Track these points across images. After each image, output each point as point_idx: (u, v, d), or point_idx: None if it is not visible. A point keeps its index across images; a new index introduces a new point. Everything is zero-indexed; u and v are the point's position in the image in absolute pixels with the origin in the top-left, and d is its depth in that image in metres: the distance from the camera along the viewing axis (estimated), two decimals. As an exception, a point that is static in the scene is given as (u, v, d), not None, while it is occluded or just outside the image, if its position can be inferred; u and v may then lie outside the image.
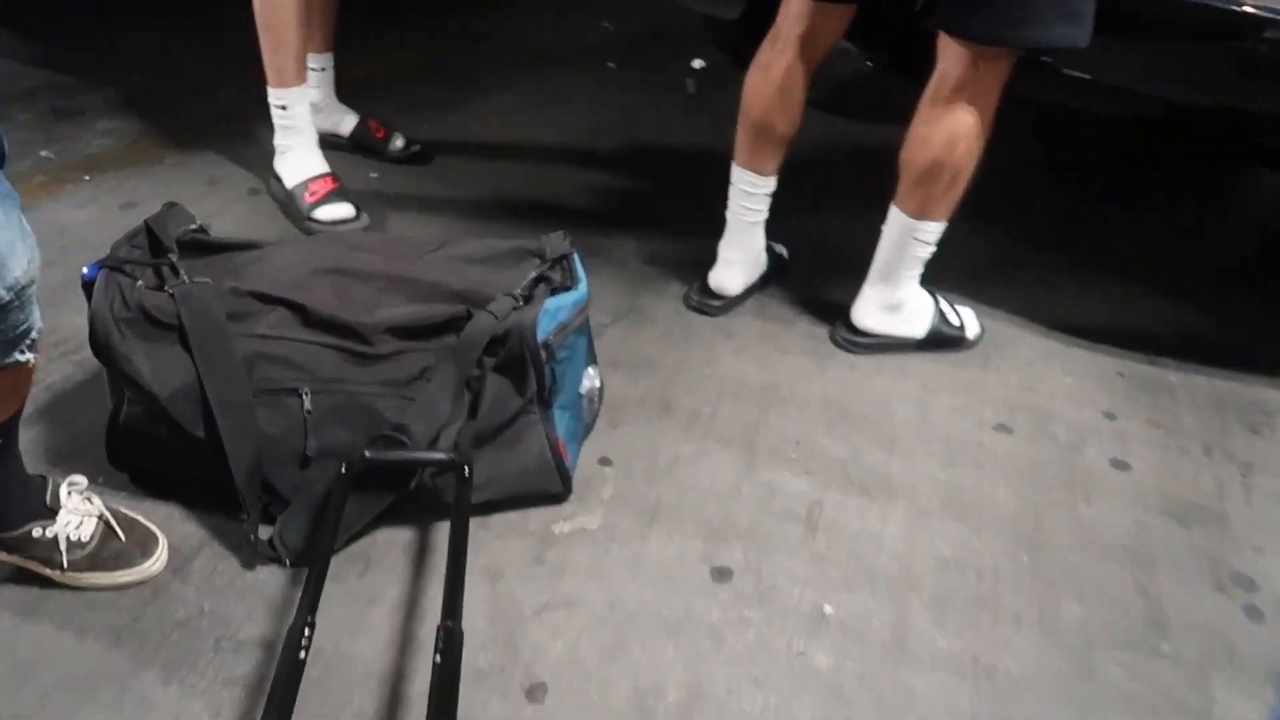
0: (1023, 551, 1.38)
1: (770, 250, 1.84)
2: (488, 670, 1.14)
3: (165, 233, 1.26)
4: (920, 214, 1.58)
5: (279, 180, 1.94)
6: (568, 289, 1.33)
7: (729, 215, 1.75)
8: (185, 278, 1.21)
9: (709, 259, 1.80)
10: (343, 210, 1.91)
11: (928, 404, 1.64)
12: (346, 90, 2.18)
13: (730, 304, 1.80)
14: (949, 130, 1.50)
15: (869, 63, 2.12)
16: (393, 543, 1.27)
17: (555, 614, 1.21)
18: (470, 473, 1.22)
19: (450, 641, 0.99)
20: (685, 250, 1.84)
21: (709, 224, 1.79)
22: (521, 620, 1.20)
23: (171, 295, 1.18)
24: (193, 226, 1.32)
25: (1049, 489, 1.49)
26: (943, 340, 1.75)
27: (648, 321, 1.76)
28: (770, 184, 1.71)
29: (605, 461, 1.44)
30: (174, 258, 1.23)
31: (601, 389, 1.46)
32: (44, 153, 2.05)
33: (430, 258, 1.37)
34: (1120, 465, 1.55)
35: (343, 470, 1.17)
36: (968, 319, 1.78)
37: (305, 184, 1.91)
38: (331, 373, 1.23)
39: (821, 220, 2.06)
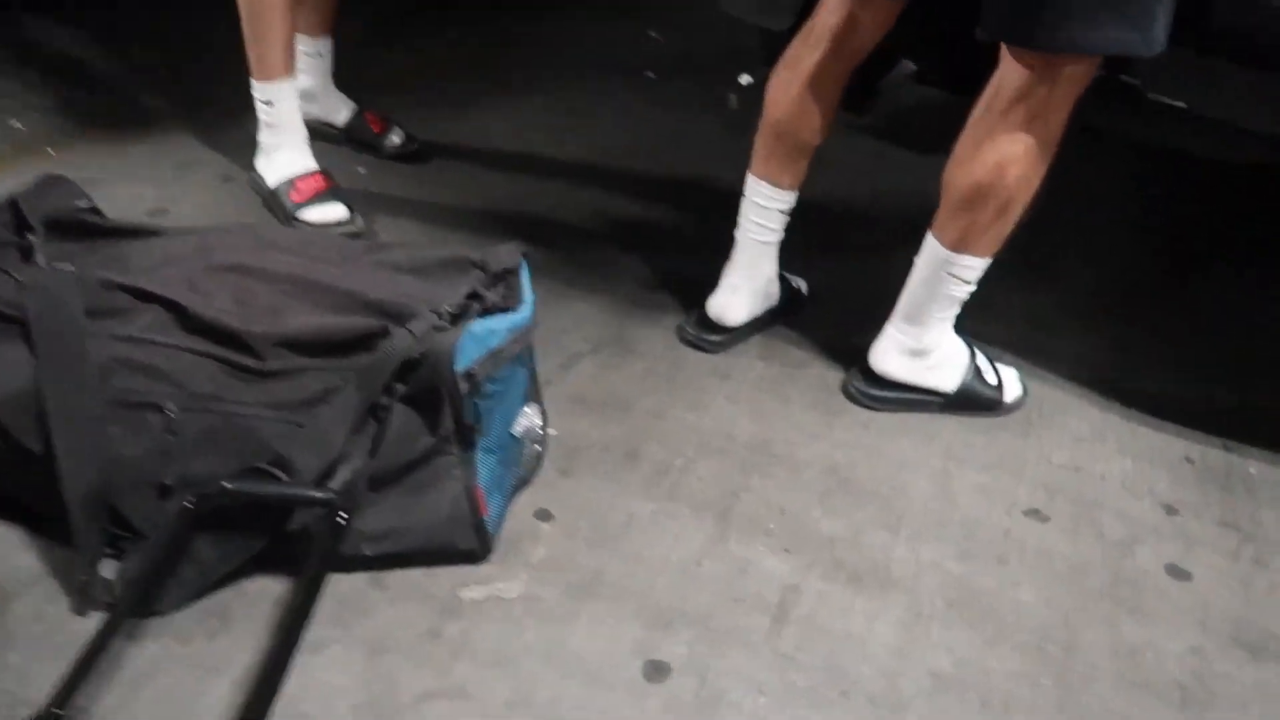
0: (1045, 675, 1.11)
1: (784, 281, 1.60)
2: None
3: (34, 209, 1.09)
4: (959, 246, 1.33)
5: (260, 179, 1.77)
6: (506, 310, 1.11)
7: (738, 233, 1.52)
8: (43, 263, 1.03)
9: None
10: (334, 212, 1.73)
11: (950, 478, 1.37)
12: (370, 80, 2.01)
13: (731, 340, 1.56)
14: (1000, 150, 1.25)
15: (916, 70, 1.87)
16: (263, 597, 1.06)
17: (438, 706, 0.98)
18: (347, 519, 1.00)
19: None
20: (694, 280, 1.61)
21: (728, 252, 1.56)
22: (394, 710, 0.97)
23: (19, 283, 1.00)
24: (81, 204, 1.14)
25: (1087, 597, 1.21)
26: (976, 401, 1.48)
27: (631, 354, 1.53)
28: (788, 199, 1.47)
29: (543, 516, 1.21)
30: (35, 239, 1.05)
31: (545, 431, 1.23)
32: (14, 122, 1.93)
33: (355, 262, 1.17)
34: (1179, 574, 1.27)
35: (187, 504, 0.97)
36: (1008, 379, 1.51)
37: (291, 182, 1.74)
38: (207, 388, 1.03)
39: (856, 258, 1.81)
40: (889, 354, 1.46)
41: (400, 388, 1.05)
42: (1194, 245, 2.09)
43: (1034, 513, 1.33)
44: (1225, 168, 2.07)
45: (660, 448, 1.34)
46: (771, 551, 1.21)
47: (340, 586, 1.09)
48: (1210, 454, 1.48)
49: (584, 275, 1.68)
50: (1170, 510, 1.37)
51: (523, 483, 1.23)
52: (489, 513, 1.11)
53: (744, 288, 1.54)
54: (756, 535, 1.23)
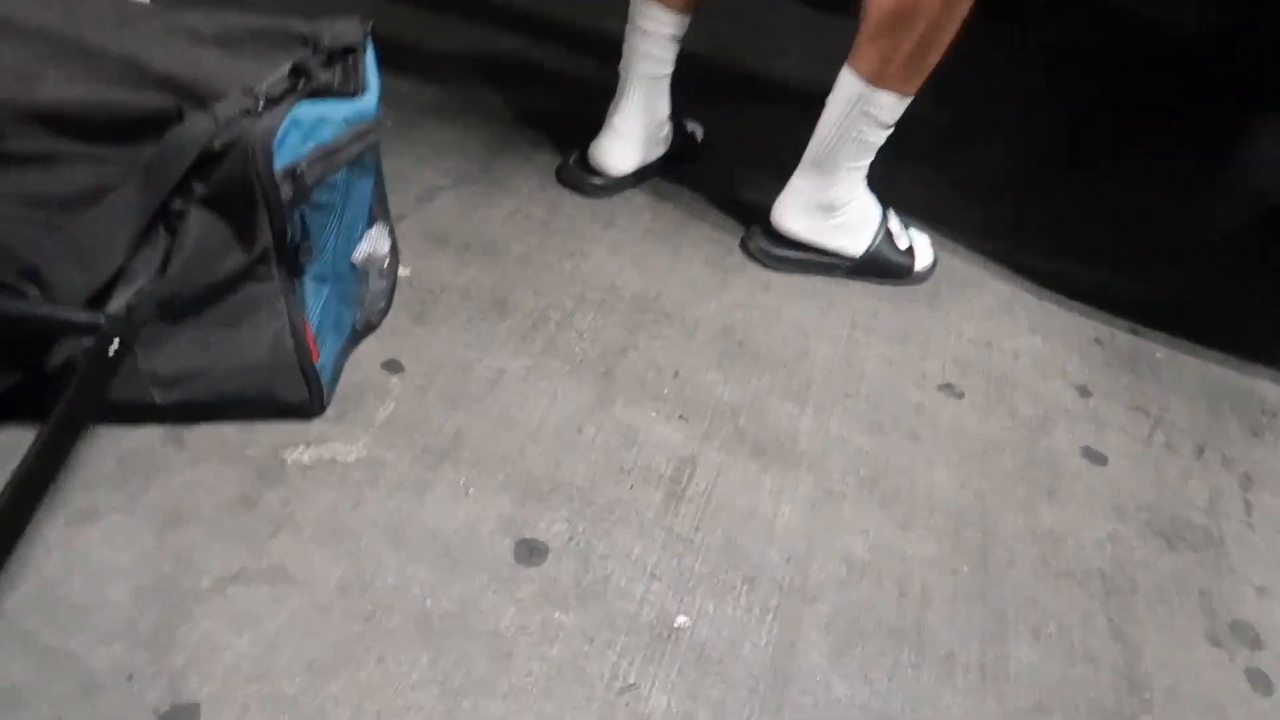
0: (963, 562, 0.99)
1: (679, 126, 1.40)
2: (106, 673, 0.69)
3: None
4: (878, 77, 1.15)
5: None
6: (344, 96, 0.86)
7: (623, 69, 1.30)
8: None
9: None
10: None
11: (856, 346, 1.23)
12: None
13: (616, 185, 1.35)
14: None
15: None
16: (12, 455, 0.80)
17: (250, 592, 0.76)
18: (123, 351, 0.75)
19: None
20: (577, 121, 1.38)
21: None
22: (190, 596, 0.75)
23: None
24: None
25: (1003, 478, 1.10)
26: (885, 267, 1.34)
27: (500, 191, 1.30)
28: (680, 23, 1.26)
29: (392, 367, 0.99)
30: None
31: (395, 261, 1.00)
32: None
33: (139, 25, 0.89)
34: (1095, 457, 1.17)
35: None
36: (920, 245, 1.37)
37: None
38: (-79, 168, 0.75)
39: (758, 110, 1.62)
40: (794, 209, 1.29)
41: (199, 187, 0.79)
42: (1094, 132, 2.01)
43: (947, 388, 1.21)
44: (1130, 63, 1.98)
45: (533, 297, 1.13)
46: (664, 419, 1.03)
47: (125, 443, 0.85)
48: (1119, 337, 1.39)
49: (451, 102, 1.43)
50: (1083, 392, 1.27)
51: (367, 327, 1.00)
52: (321, 358, 0.88)
53: (632, 131, 1.33)
54: (646, 400, 1.05)
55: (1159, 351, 1.39)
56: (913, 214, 1.44)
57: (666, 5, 1.23)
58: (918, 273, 1.36)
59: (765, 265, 1.31)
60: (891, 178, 1.33)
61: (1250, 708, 0.93)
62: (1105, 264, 1.55)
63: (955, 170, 1.68)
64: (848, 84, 1.17)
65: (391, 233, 0.99)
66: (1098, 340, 1.38)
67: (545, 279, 1.17)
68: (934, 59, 1.15)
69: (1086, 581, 1.01)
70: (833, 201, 1.28)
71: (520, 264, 1.18)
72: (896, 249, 1.34)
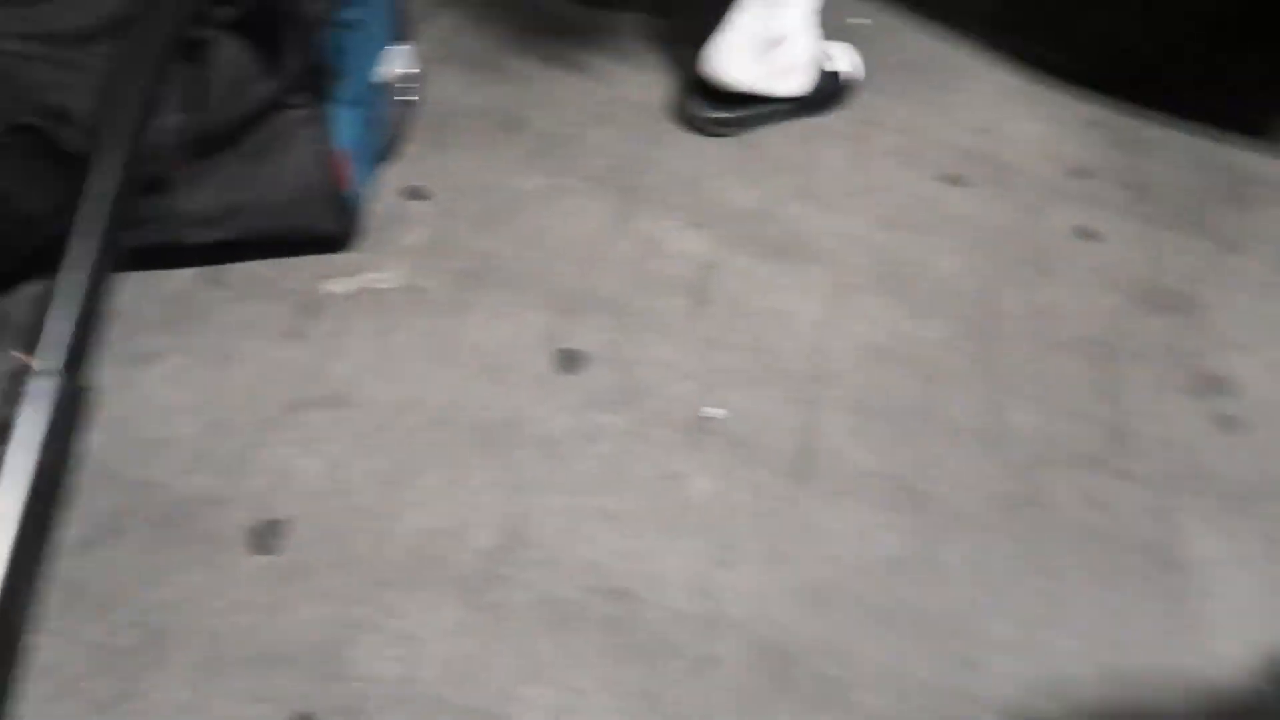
0: (969, 341, 1.06)
1: None
2: (193, 499, 0.76)
3: None
4: None
5: None
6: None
7: None
8: None
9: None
10: None
11: (862, 143, 1.25)
12: None
13: None
14: None
15: None
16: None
17: (315, 417, 0.82)
18: (170, 187, 0.77)
19: (65, 400, 0.51)
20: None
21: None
22: (259, 425, 0.80)
23: None
24: None
25: (1005, 261, 1.15)
26: (826, 99, 1.27)
27: (502, 5, 1.26)
28: None
29: (417, 194, 1.01)
30: None
31: (417, 83, 0.99)
32: None
33: None
34: (1087, 234, 1.22)
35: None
36: (845, 60, 1.29)
37: None
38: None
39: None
40: (734, 59, 1.16)
41: (226, 11, 0.78)
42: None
43: (949, 178, 1.24)
44: None
45: (547, 115, 1.14)
46: (683, 227, 1.07)
47: (166, 287, 0.88)
48: (1114, 119, 1.41)
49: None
50: (1078, 174, 1.30)
51: (390, 149, 1.01)
52: (351, 184, 0.90)
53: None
54: (665, 210, 1.08)
55: (1153, 130, 1.41)
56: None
57: None
58: (844, 94, 1.29)
59: (711, 133, 1.19)
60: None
61: (1218, 447, 1.03)
62: (1102, 44, 1.54)
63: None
64: None
65: (416, 48, 0.98)
66: (1093, 122, 1.39)
67: (556, 96, 1.17)
68: None
69: (1079, 349, 1.08)
70: (780, 35, 1.15)
71: (529, 82, 1.18)
72: (825, 75, 1.26)
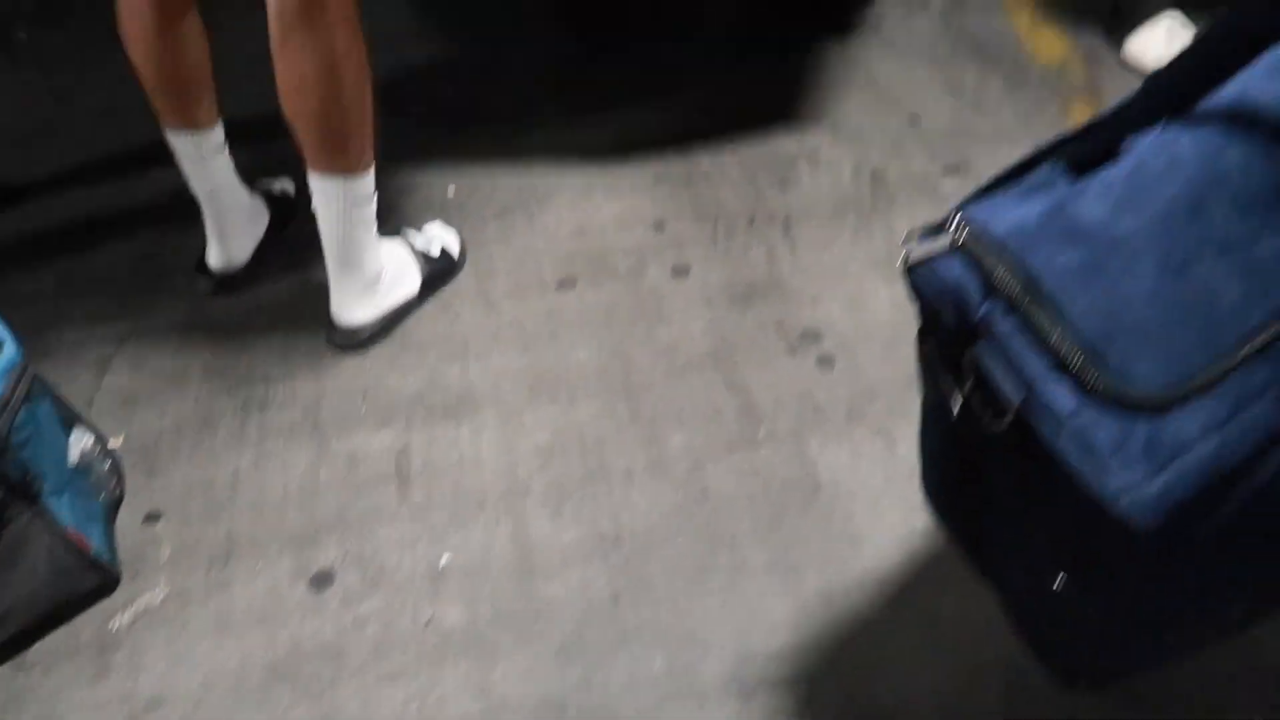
0: (618, 402, 1.35)
1: (267, 193, 1.61)
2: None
3: None
4: (341, 167, 1.28)
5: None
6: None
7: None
8: None
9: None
10: None
11: (487, 291, 1.54)
12: None
13: (246, 276, 1.55)
14: (321, 59, 1.19)
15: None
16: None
17: (142, 726, 1.03)
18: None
19: None
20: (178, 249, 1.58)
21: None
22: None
23: None
24: None
25: (625, 326, 1.46)
26: (440, 278, 1.53)
27: (159, 333, 1.49)
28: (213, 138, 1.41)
29: (153, 518, 1.23)
30: None
31: (103, 446, 1.23)
32: None
33: None
34: (681, 272, 1.55)
35: None
36: (446, 240, 1.57)
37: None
38: None
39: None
40: (351, 306, 1.42)
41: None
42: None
43: (562, 283, 1.54)
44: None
45: (228, 399, 1.38)
46: (371, 432, 1.32)
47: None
48: (672, 167, 1.75)
49: (75, 273, 1.59)
50: (658, 227, 1.64)
51: (117, 501, 1.23)
52: (94, 546, 1.12)
53: (227, 227, 1.49)
54: (352, 425, 1.33)
55: (705, 162, 1.77)
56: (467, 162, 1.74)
57: (194, 128, 1.42)
58: (458, 260, 1.57)
59: (356, 349, 1.44)
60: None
61: (823, 383, 1.36)
62: (641, 114, 1.89)
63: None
64: (323, 189, 1.30)
65: (90, 425, 1.21)
66: (657, 178, 1.74)
67: (229, 381, 1.41)
68: (370, 118, 1.27)
69: (700, 364, 1.40)
70: (377, 273, 1.42)
71: (203, 378, 1.41)
72: (435, 259, 1.52)
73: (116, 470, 1.24)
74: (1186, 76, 0.66)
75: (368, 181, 1.33)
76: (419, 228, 1.57)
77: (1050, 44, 2.06)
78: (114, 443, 1.28)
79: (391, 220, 1.55)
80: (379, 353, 1.44)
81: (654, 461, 1.27)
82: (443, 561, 1.17)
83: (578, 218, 1.67)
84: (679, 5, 2.24)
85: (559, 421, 1.33)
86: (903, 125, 1.84)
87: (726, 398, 1.35)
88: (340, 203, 1.33)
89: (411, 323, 1.48)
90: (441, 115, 1.89)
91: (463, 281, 1.56)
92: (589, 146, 1.80)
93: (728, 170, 1.75)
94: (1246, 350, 0.58)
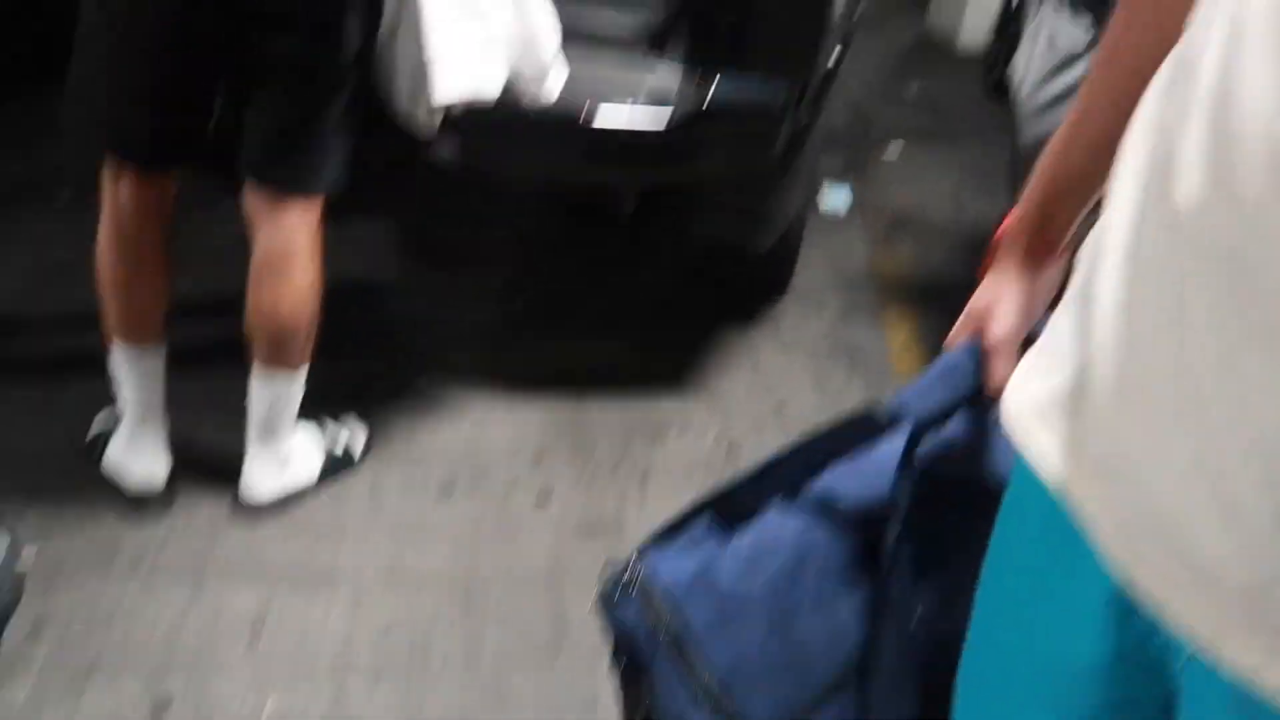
0: (455, 601, 1.60)
1: None
2: None
3: None
4: (284, 367, 1.60)
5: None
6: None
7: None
8: None
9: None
10: None
11: (379, 485, 1.81)
12: None
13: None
14: (295, 288, 1.54)
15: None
16: None
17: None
18: None
19: None
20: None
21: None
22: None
23: None
24: None
25: (482, 537, 1.73)
26: (335, 470, 1.78)
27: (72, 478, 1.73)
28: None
29: (37, 629, 1.46)
30: None
31: (16, 553, 1.46)
32: None
33: None
34: (543, 500, 1.84)
35: None
36: (344, 438, 1.81)
37: None
38: None
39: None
40: (259, 480, 1.67)
41: None
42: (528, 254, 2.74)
43: (443, 490, 1.82)
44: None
45: (132, 534, 1.63)
46: (241, 588, 1.57)
47: None
48: (565, 408, 2.06)
49: None
50: (537, 458, 1.93)
51: (7, 611, 1.45)
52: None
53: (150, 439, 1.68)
54: (226, 580, 1.58)
55: (593, 409, 2.09)
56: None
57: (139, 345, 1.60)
58: (357, 462, 1.82)
59: (254, 516, 1.67)
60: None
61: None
62: (556, 354, 2.23)
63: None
64: (267, 382, 1.60)
65: (7, 529, 1.45)
66: (549, 415, 2.04)
67: (141, 519, 1.66)
68: (314, 330, 1.58)
69: (534, 581, 1.66)
70: (288, 452, 1.68)
71: (121, 514, 1.66)
72: (337, 458, 1.78)
73: (18, 584, 1.48)
74: (802, 459, 0.96)
75: (301, 375, 1.65)
76: (338, 418, 1.87)
77: (913, 360, 2.43)
78: (27, 551, 1.52)
79: (316, 408, 1.85)
80: (270, 523, 1.70)
81: (469, 657, 1.51)
82: (265, 711, 1.39)
83: (475, 433, 1.96)
84: (617, 270, 2.63)
85: (400, 610, 1.57)
86: (769, 409, 2.18)
87: (545, 615, 1.61)
88: (274, 391, 1.63)
89: (308, 501, 1.75)
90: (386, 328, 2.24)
91: (363, 471, 1.83)
92: (502, 373, 2.13)
93: (610, 420, 2.06)
94: (827, 687, 0.84)
